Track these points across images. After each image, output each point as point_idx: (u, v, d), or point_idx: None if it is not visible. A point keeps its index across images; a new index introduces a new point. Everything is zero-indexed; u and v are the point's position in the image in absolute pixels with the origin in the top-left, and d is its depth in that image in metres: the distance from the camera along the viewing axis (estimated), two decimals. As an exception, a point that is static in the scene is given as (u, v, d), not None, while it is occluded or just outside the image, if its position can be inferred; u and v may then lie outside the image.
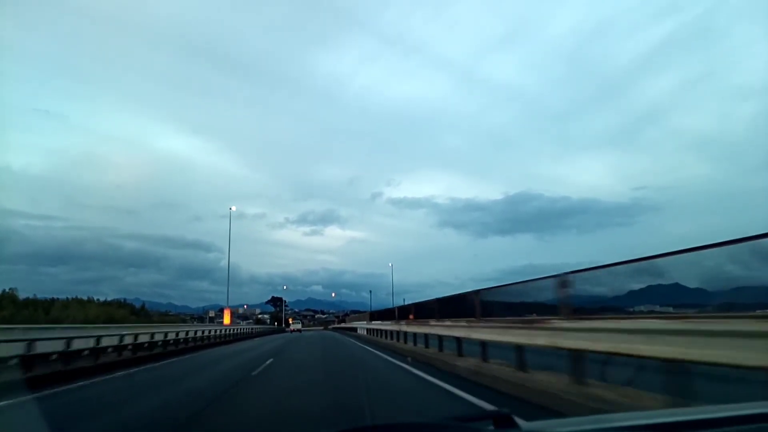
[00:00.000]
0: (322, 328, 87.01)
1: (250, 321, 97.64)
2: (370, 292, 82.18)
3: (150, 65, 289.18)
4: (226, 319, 34.65)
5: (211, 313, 77.90)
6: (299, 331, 61.62)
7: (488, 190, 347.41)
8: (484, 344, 7.27)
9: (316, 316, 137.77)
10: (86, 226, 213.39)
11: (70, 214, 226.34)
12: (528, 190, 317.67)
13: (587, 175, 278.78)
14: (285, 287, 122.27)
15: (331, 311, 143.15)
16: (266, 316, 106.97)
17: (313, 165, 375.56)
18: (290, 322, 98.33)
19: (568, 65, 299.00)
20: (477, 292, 7.87)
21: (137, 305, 31.73)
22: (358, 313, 66.35)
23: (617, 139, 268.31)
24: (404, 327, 14.07)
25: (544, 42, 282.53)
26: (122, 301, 29.98)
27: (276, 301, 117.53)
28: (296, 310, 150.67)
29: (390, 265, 53.56)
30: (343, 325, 47.88)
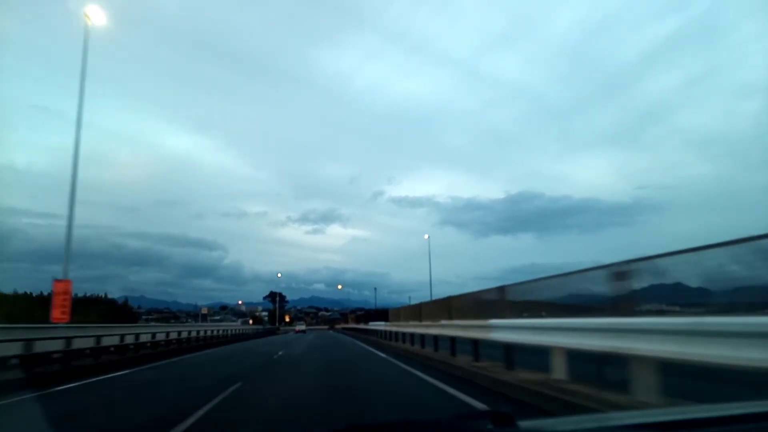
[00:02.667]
0: (327, 327, 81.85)
1: (246, 319, 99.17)
2: (375, 289, 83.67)
3: (154, 62, 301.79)
4: (58, 311, 14.56)
5: (204, 310, 78.86)
6: (303, 331, 56.51)
7: (489, 189, 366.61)
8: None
9: (319, 314, 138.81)
10: (89, 224, 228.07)
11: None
12: (529, 188, 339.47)
13: (589, 173, 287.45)
14: (279, 275, 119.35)
15: (335, 309, 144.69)
16: (265, 313, 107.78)
17: (314, 163, 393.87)
18: (287, 319, 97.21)
19: (571, 62, 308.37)
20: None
21: (120, 302, 31.69)
22: (369, 311, 49.33)
23: (620, 137, 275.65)
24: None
25: (547, 38, 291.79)
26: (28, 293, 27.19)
27: (275, 297, 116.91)
28: (299, 307, 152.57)
29: (426, 237, 40.99)
30: (374, 325, 26.99)
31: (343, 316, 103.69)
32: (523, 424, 1.18)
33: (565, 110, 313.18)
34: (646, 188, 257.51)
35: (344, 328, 51.69)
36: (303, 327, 62.97)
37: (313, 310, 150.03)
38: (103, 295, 29.91)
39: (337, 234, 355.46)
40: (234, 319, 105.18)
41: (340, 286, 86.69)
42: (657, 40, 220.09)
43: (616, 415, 1.48)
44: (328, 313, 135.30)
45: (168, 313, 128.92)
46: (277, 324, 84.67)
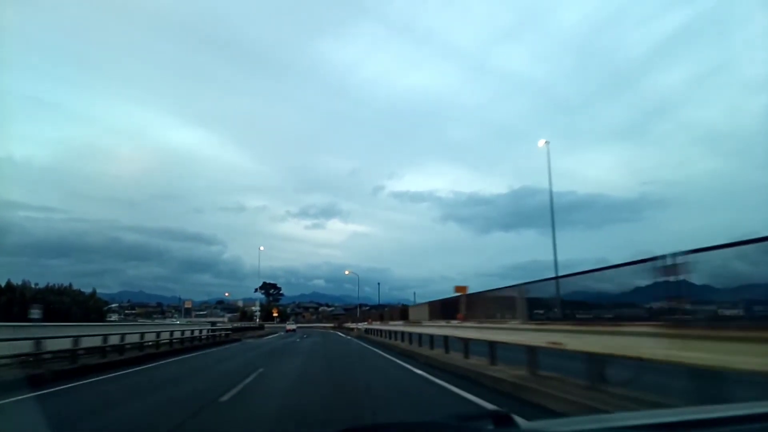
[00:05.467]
0: (332, 325, 69.92)
1: (235, 315, 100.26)
2: (378, 284, 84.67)
3: (153, 54, 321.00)
4: None
5: (187, 304, 79.25)
6: (293, 331, 53.99)
7: (492, 184, 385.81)
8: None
9: (320, 309, 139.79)
10: (87, 218, 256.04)
11: (70, 205, 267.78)
12: (533, 184, 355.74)
13: (595, 169, 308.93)
14: (262, 248, 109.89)
15: (337, 305, 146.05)
16: (257, 308, 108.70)
17: (314, 156, 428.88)
18: (275, 314, 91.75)
19: (579, 56, 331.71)
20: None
21: (86, 293, 32.10)
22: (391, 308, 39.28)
23: (627, 133, 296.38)
24: None
25: (555, 32, 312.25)
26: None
27: (269, 289, 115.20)
28: (297, 302, 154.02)
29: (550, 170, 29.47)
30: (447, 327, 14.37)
31: (348, 311, 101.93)
32: (524, 425, 1.31)
33: (571, 105, 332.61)
34: (653, 184, 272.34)
35: (369, 331, 32.70)
36: (293, 326, 60.14)
37: (314, 305, 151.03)
38: (68, 285, 30.16)
39: (337, 229, 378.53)
40: (222, 314, 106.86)
41: (347, 272, 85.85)
42: (666, 33, 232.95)
43: (617, 415, 1.63)
44: (330, 309, 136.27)
45: (153, 308, 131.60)
46: (257, 321, 74.66)
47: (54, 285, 29.43)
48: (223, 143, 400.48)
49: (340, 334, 44.01)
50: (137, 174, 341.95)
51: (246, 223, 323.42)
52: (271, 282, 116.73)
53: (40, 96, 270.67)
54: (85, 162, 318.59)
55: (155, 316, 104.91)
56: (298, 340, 31.29)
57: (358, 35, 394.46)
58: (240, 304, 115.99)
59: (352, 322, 51.18)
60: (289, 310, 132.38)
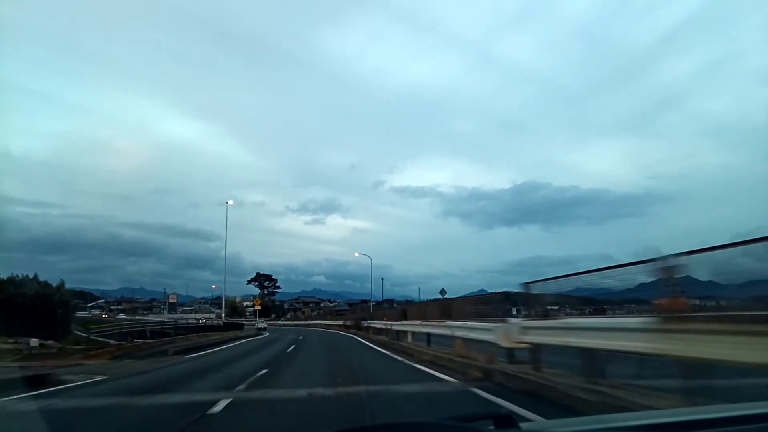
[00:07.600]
0: (340, 324, 52.83)
1: (224, 310, 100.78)
2: (382, 279, 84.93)
3: (151, 44, 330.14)
4: None
5: (172, 298, 78.83)
6: (264, 329, 52.23)
7: (495, 179, 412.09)
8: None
9: (321, 305, 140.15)
10: (84, 214, 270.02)
11: (66, 200, 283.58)
12: (536, 178, 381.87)
13: (600, 163, 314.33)
14: (230, 202, 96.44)
15: (339, 300, 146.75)
16: (249, 303, 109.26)
17: (314, 150, 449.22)
18: (256, 306, 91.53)
19: (585, 46, 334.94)
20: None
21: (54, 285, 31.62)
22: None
23: (632, 125, 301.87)
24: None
25: (560, 20, 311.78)
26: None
27: (263, 281, 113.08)
28: (296, 297, 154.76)
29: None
30: None
31: (353, 306, 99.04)
32: (525, 425, 1.39)
33: (576, 96, 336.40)
34: (659, 178, 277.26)
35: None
36: (263, 325, 58.98)
37: (314, 300, 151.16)
38: (33, 276, 29.26)
39: (337, 224, 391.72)
40: (212, 309, 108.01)
41: (357, 254, 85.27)
42: (674, 22, 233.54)
43: (618, 416, 1.74)
44: (333, 304, 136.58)
45: (140, 304, 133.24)
46: (223, 318, 66.34)
47: (17, 276, 28.98)
48: (220, 135, 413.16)
49: (366, 343, 25.35)
50: (134, 168, 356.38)
51: (245, 219, 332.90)
52: (266, 273, 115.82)
53: (34, 87, 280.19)
54: (82, 156, 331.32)
55: (143, 311, 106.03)
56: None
57: (360, 25, 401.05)
58: (238, 300, 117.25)
59: (387, 318, 29.07)
60: (287, 305, 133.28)
